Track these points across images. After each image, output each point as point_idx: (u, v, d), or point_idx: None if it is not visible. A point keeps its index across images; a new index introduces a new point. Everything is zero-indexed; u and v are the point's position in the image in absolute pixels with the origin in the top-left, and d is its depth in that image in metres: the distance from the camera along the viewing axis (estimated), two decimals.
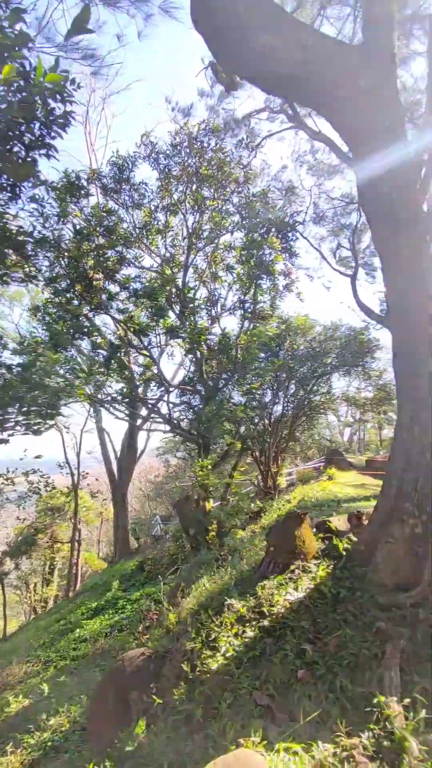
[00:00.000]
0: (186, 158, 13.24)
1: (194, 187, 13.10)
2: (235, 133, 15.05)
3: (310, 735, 3.00)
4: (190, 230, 13.54)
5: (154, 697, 3.59)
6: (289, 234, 14.19)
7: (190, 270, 14.40)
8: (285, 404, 19.03)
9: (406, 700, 3.03)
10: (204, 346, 12.99)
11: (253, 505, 14.07)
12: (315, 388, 19.47)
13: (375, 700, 3.02)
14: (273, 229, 13.75)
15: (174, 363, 22.85)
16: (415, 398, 4.36)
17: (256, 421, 16.45)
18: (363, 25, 4.30)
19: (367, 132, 4.15)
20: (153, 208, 13.35)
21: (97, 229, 10.76)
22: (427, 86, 12.06)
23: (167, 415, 13.07)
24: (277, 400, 18.68)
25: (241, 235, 14.08)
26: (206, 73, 6.07)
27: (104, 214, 10.98)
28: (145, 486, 33.54)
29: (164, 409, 13.57)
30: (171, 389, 13.13)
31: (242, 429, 14.04)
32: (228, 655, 3.65)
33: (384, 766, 2.69)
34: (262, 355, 15.58)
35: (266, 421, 18.11)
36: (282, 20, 4.23)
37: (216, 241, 14.52)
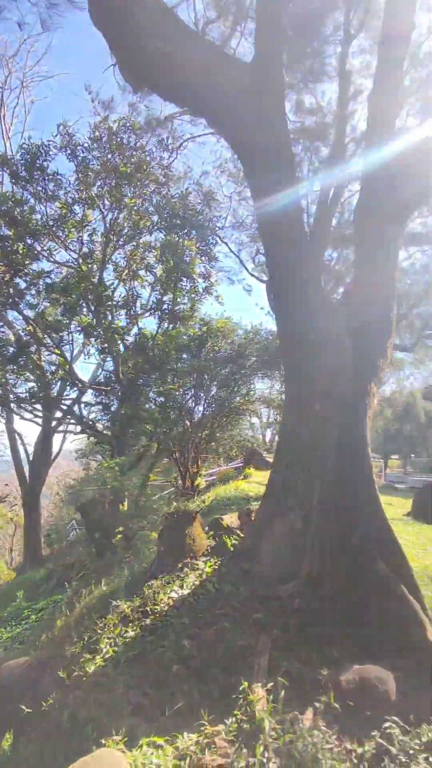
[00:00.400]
0: (106, 153, 12.96)
1: (113, 183, 12.87)
2: (157, 132, 14.94)
3: (178, 727, 3.08)
4: (109, 226, 13.29)
5: (26, 707, 3.47)
6: (209, 238, 14.46)
7: (110, 267, 14.15)
8: (206, 405, 19.27)
9: (270, 684, 3.23)
10: (120, 345, 12.81)
11: (171, 506, 14.08)
12: (236, 389, 19.94)
13: (241, 687, 3.18)
14: (193, 232, 13.93)
15: (90, 363, 22.05)
16: (300, 403, 4.66)
17: (177, 422, 16.50)
18: (255, 45, 4.52)
19: (255, 152, 4.35)
20: (70, 200, 12.91)
21: (4, 218, 10.16)
22: (337, 109, 12.94)
23: (81, 416, 12.68)
24: (198, 402, 18.88)
25: (162, 235, 14.10)
26: (114, 70, 5.99)
27: (12, 203, 10.38)
28: (63, 490, 32.14)
29: (79, 410, 13.16)
30: (84, 389, 12.76)
31: (161, 430, 14.04)
32: (107, 656, 3.64)
33: (242, 747, 2.85)
34: (185, 355, 15.70)
35: (187, 423, 18.23)
36: (177, 29, 4.30)
37: (137, 239, 14.39)
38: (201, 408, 19.20)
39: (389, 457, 34.67)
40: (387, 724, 3.05)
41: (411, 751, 2.91)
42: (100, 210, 13.12)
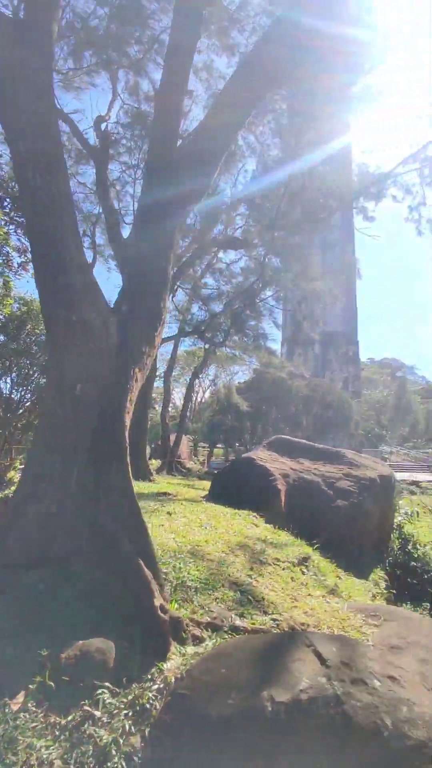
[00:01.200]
0: None
1: None
2: None
3: None
4: None
5: None
6: None
7: None
8: (24, 392, 17.85)
9: None
10: None
11: None
12: None
13: None
14: (8, 200, 12.60)
15: None
16: (60, 385, 4.56)
17: None
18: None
19: (17, 118, 4.06)
20: None
21: None
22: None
23: None
24: (17, 388, 17.37)
25: None
26: None
27: None
28: None
29: None
30: None
31: None
32: None
33: None
34: (1, 337, 14.17)
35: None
36: None
37: None
38: (19, 395, 17.74)
39: (215, 446, 37.44)
40: (99, 691, 3.20)
41: (115, 711, 3.10)
42: None
